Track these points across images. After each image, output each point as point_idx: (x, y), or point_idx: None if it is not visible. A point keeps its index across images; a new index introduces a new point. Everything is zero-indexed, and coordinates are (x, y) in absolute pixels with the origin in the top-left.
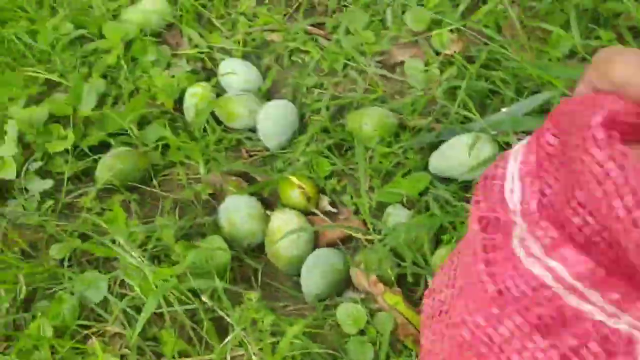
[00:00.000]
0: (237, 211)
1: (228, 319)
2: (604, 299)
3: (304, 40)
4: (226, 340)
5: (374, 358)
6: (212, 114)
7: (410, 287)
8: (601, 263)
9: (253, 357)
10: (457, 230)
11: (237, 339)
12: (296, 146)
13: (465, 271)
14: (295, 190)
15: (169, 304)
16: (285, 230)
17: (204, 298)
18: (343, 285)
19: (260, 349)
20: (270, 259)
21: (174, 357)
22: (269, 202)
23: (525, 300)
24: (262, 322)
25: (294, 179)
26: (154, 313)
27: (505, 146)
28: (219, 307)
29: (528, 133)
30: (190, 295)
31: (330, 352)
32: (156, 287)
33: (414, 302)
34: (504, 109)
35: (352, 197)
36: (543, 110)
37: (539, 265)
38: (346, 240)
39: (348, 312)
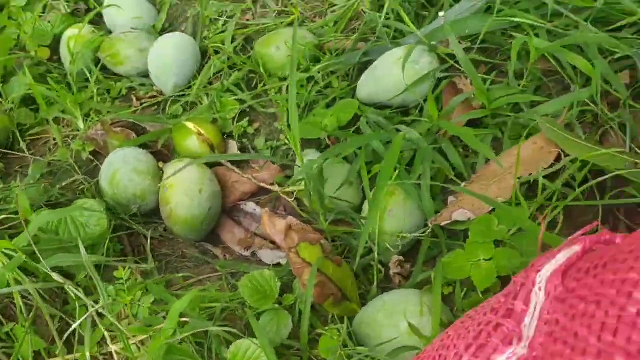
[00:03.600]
0: (121, 169)
1: (94, 306)
2: None
3: None
4: (86, 335)
5: (292, 332)
6: (98, 60)
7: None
8: None
9: (129, 349)
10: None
11: (101, 332)
12: (196, 86)
13: None
14: (192, 137)
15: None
16: (181, 186)
17: (56, 277)
18: None
19: (141, 341)
20: (167, 222)
21: None
22: (166, 157)
23: None
24: (139, 305)
25: (190, 124)
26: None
27: (447, 58)
28: (84, 290)
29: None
30: (56, 277)
31: (235, 331)
32: None
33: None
34: (441, 14)
35: (266, 140)
36: (489, 9)
37: None
38: (261, 192)
39: (253, 285)
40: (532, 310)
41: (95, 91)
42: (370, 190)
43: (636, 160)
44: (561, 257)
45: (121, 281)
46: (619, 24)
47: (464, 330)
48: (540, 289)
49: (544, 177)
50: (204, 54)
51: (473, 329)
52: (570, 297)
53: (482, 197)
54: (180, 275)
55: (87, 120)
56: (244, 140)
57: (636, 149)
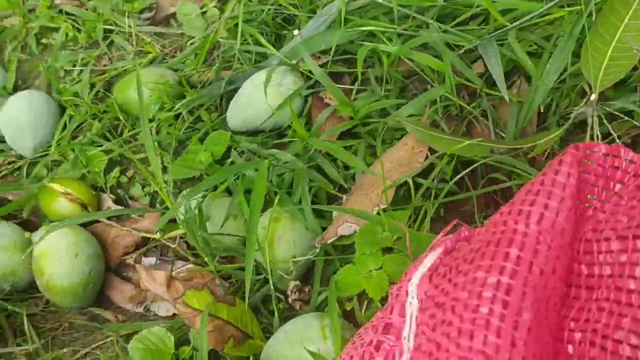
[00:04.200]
0: None
1: None
2: None
3: (51, 16)
4: None
5: None
6: None
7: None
8: None
9: None
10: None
11: None
12: (56, 144)
13: None
14: (60, 199)
15: None
16: (54, 254)
17: None
18: None
19: None
20: (45, 295)
21: None
22: (37, 225)
23: None
24: None
25: (55, 185)
26: None
27: (310, 74)
28: None
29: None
30: None
31: None
32: None
33: (232, 292)
34: (295, 32)
35: (143, 187)
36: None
37: None
38: (145, 242)
39: (144, 345)
40: (409, 321)
41: None
42: None
43: (500, 145)
44: (427, 262)
45: None
46: (464, 17)
47: (353, 350)
48: (413, 298)
49: (422, 176)
50: (63, 109)
51: (359, 350)
52: (430, 306)
53: (356, 211)
54: (67, 350)
55: None
56: (119, 191)
57: (500, 133)
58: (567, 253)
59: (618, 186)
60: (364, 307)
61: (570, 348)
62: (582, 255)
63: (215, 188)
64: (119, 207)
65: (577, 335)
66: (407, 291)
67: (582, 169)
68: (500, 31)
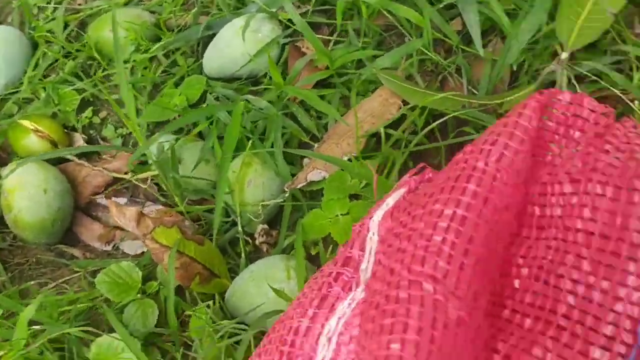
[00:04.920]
0: None
1: None
2: None
3: None
4: None
5: (162, 319)
6: None
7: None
8: None
9: None
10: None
11: None
12: (27, 81)
13: None
14: (30, 136)
15: None
16: (23, 189)
17: None
18: None
19: None
20: (14, 230)
21: None
22: (6, 161)
23: None
24: None
25: (25, 122)
26: None
27: (289, 23)
28: None
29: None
30: None
31: (95, 330)
32: None
33: (201, 233)
34: None
35: (116, 128)
36: None
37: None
38: (116, 182)
39: (111, 278)
40: (368, 254)
41: None
42: None
43: (471, 101)
44: (390, 201)
45: None
46: None
47: (314, 283)
48: (373, 234)
49: (393, 128)
50: (36, 46)
51: (318, 280)
52: (389, 237)
53: (327, 157)
54: (34, 282)
55: None
56: (91, 132)
57: (473, 90)
58: (522, 192)
59: (578, 134)
60: (329, 252)
61: (516, 282)
62: (536, 197)
63: (189, 132)
64: (86, 146)
65: (524, 271)
66: (368, 227)
67: (546, 116)
68: None
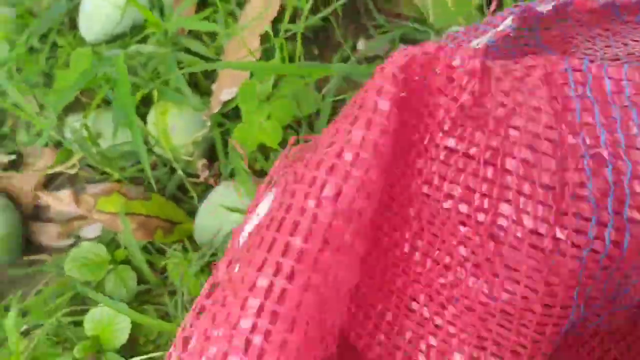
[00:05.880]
0: None
1: None
2: None
3: None
4: None
5: (143, 280)
6: None
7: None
8: None
9: None
10: None
11: None
12: None
13: None
14: None
15: None
16: None
17: None
18: None
19: None
20: None
21: None
22: None
23: None
24: None
25: None
26: None
27: None
28: None
29: None
30: None
31: (81, 307)
32: None
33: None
34: None
35: (28, 131)
36: None
37: None
38: (53, 178)
39: (78, 262)
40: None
41: None
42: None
43: None
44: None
45: None
46: None
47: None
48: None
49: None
50: None
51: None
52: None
53: (231, 64)
54: (13, 297)
55: None
56: (9, 143)
57: None
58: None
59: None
60: (270, 160)
61: None
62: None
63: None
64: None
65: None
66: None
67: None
68: None
